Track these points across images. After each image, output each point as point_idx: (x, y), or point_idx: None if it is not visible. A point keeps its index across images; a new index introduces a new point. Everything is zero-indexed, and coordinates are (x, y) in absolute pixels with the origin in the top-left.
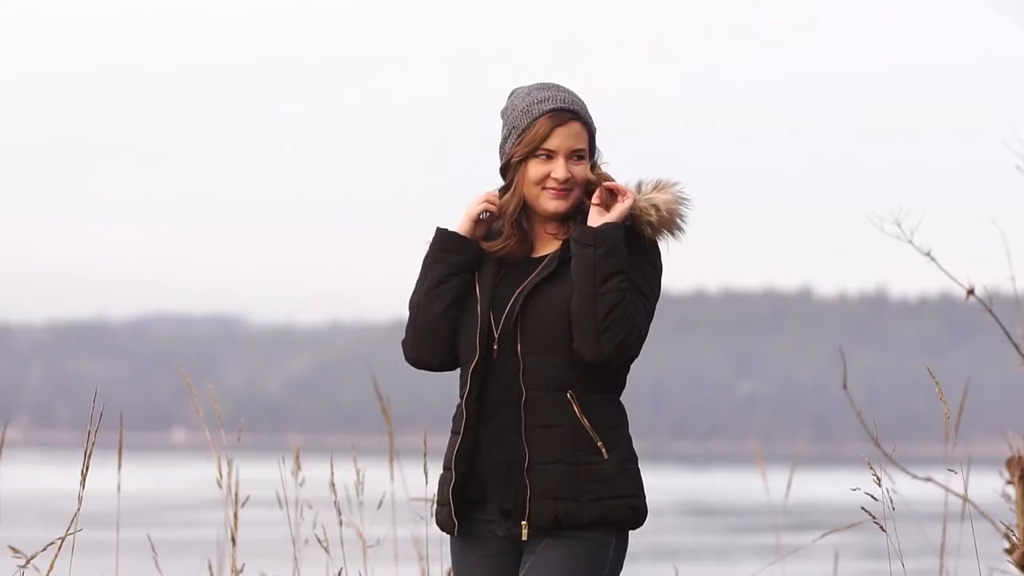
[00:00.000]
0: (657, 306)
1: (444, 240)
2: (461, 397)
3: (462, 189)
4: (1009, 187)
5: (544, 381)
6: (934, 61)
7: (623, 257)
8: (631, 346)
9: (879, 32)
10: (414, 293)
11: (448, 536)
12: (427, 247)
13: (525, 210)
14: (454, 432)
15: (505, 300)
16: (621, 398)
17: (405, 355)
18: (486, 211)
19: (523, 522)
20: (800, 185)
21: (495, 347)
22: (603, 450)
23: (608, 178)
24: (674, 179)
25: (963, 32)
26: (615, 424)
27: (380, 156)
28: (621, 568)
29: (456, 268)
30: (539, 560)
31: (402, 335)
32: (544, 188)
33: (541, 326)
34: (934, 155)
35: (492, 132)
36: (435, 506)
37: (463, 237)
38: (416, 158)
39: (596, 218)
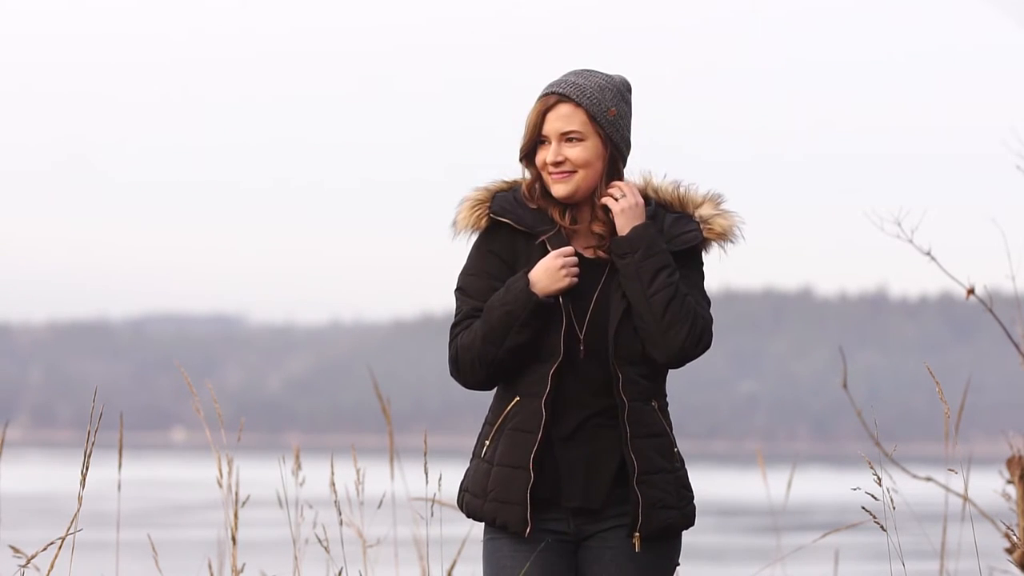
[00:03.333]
0: None
1: (536, 310)
2: (536, 395)
3: (464, 188)
4: (1009, 187)
5: (638, 391)
6: (935, 60)
7: (663, 252)
8: (700, 336)
9: (880, 31)
10: (490, 341)
11: (480, 525)
12: (508, 298)
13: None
14: (523, 430)
15: (583, 302)
16: None
17: (465, 382)
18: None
19: (636, 533)
20: (800, 185)
21: (581, 348)
22: (678, 455)
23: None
24: (723, 194)
25: (964, 32)
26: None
27: (381, 156)
28: None
29: (536, 331)
30: (616, 555)
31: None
32: (549, 173)
33: (632, 337)
34: (934, 154)
35: (494, 128)
36: (490, 503)
37: (552, 305)
38: (417, 157)
39: (622, 222)
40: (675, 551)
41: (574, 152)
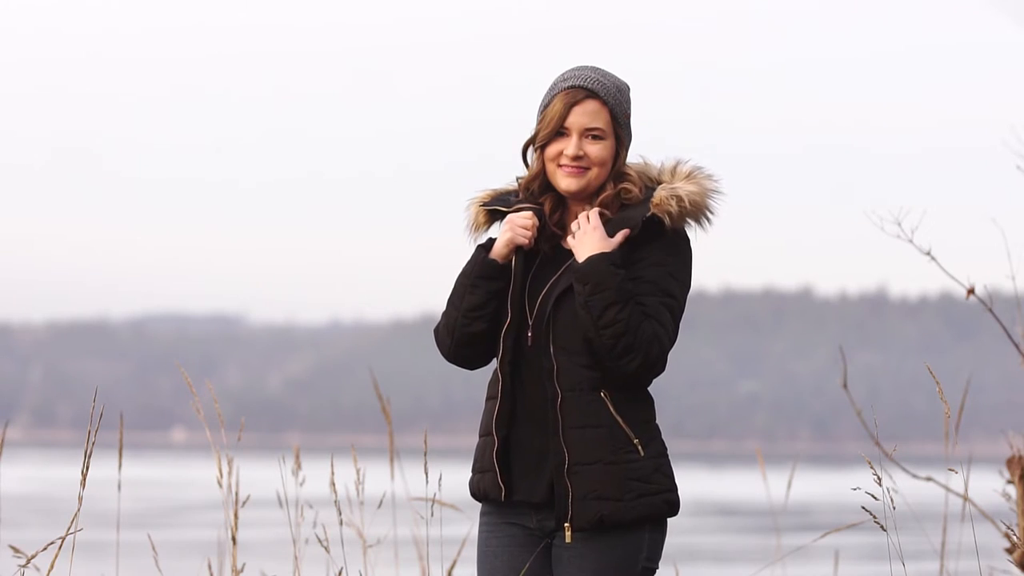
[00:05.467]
0: None
1: (484, 269)
2: (498, 362)
3: (464, 186)
4: (1009, 187)
5: (578, 381)
6: (935, 60)
7: (613, 288)
8: (652, 364)
9: (881, 31)
10: (451, 303)
11: (476, 521)
12: (467, 261)
13: (561, 197)
14: (491, 398)
15: (539, 288)
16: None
17: (441, 352)
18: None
19: (566, 524)
20: (800, 185)
21: (529, 334)
22: (640, 448)
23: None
24: (708, 169)
25: (964, 32)
26: (647, 419)
27: (382, 155)
28: (659, 556)
29: (494, 295)
30: (572, 558)
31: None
32: (559, 166)
33: (572, 327)
34: (934, 154)
35: (495, 126)
36: (476, 475)
37: (501, 266)
38: (418, 157)
39: (577, 251)
40: (636, 546)
41: (594, 149)
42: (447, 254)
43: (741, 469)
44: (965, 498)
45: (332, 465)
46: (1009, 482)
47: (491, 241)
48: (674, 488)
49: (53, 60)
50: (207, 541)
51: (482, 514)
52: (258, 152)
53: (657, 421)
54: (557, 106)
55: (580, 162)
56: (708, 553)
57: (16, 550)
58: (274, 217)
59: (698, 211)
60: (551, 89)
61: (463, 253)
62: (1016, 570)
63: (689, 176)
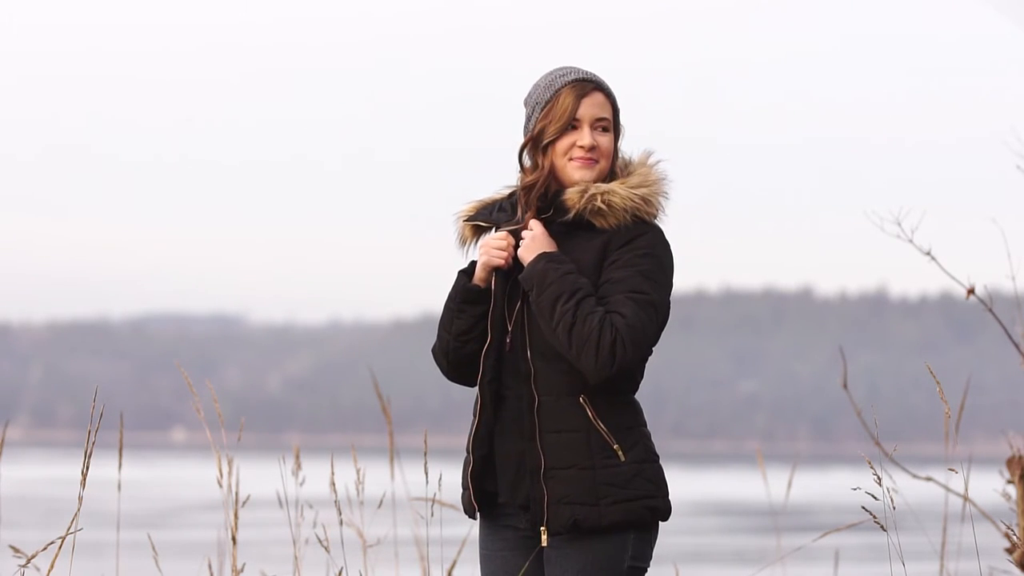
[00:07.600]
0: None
1: (465, 294)
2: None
3: (465, 186)
4: (1009, 187)
5: (556, 386)
6: (935, 61)
7: (556, 281)
8: (612, 355)
9: (880, 30)
10: (443, 326)
11: (477, 523)
12: (451, 287)
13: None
14: (472, 415)
15: (516, 294)
16: (636, 395)
17: (441, 372)
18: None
19: (542, 528)
20: (800, 185)
21: (508, 340)
22: (619, 453)
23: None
24: (656, 159)
25: (964, 33)
26: (631, 425)
27: (383, 155)
28: (647, 562)
29: (479, 317)
30: (559, 559)
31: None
32: (571, 159)
33: None
34: (935, 155)
35: (493, 130)
36: (462, 491)
37: (482, 290)
38: (418, 155)
39: (523, 252)
40: (621, 547)
41: (604, 140)
42: (447, 254)
43: (741, 469)
44: (965, 498)
45: (332, 465)
46: (1009, 482)
47: (472, 265)
48: (659, 494)
49: (50, 54)
50: (207, 541)
51: (480, 517)
52: (257, 152)
53: (649, 427)
54: (567, 99)
55: (592, 153)
56: (708, 553)
57: (16, 550)
58: (274, 217)
59: (642, 207)
60: (549, 86)
61: (462, 254)
62: (1016, 570)
63: (627, 169)
